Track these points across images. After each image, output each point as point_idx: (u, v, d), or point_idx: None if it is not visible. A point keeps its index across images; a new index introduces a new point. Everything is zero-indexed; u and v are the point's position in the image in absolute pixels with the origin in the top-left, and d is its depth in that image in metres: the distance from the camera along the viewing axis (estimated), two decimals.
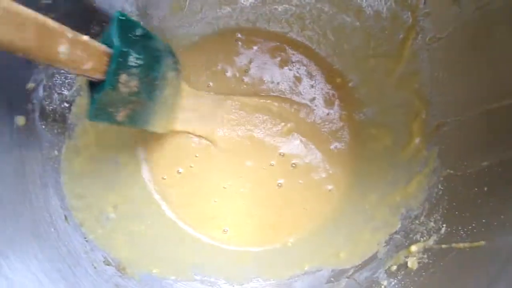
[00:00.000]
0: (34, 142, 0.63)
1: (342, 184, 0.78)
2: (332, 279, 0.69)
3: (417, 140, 0.70)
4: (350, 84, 0.79)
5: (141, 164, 0.78)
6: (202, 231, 0.75)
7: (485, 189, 0.58)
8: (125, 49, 0.56)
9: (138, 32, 0.60)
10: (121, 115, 0.61)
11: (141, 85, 0.61)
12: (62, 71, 0.67)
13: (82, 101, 0.70)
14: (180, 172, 0.76)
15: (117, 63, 0.55)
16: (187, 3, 0.76)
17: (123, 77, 0.57)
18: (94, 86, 0.56)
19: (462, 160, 0.63)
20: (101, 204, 0.70)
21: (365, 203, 0.74)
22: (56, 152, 0.66)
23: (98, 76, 0.53)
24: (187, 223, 0.75)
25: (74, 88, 0.69)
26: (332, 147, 0.79)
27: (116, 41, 0.55)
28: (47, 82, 0.65)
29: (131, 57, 0.57)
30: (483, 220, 0.56)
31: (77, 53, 0.48)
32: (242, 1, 0.79)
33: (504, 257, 0.51)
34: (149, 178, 0.77)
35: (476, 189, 0.59)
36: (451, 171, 0.64)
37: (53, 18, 0.58)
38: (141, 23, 0.64)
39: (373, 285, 0.64)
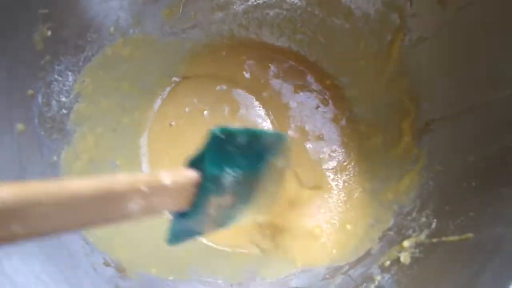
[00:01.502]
0: (34, 149, 0.64)
1: (342, 187, 0.79)
2: (327, 276, 0.70)
3: (407, 138, 0.72)
4: (340, 85, 0.81)
5: (141, 165, 0.79)
6: None
7: (473, 183, 0.59)
8: (218, 172, 0.46)
9: (240, 140, 0.49)
10: (208, 228, 0.50)
11: (236, 196, 0.51)
12: (60, 78, 0.68)
13: (81, 108, 0.72)
14: None
15: (207, 191, 0.45)
16: (180, 10, 0.78)
17: (214, 201, 0.47)
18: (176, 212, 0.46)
19: (451, 156, 0.64)
20: None
21: (358, 200, 0.76)
22: (55, 158, 0.67)
23: (183, 209, 0.44)
24: None
25: (72, 95, 0.70)
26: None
27: (207, 167, 0.44)
28: (46, 89, 0.66)
29: (226, 176, 0.47)
30: (471, 214, 0.57)
31: (154, 202, 0.38)
32: (235, 7, 0.80)
33: (491, 248, 0.52)
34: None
35: (464, 184, 0.60)
36: (441, 168, 0.66)
37: (50, 28, 0.61)
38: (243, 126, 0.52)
39: (367, 280, 0.65)
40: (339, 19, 0.77)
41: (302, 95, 0.82)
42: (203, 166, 0.44)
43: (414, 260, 0.62)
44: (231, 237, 0.77)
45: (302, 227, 0.77)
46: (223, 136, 0.46)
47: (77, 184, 0.30)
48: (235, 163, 0.48)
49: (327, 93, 0.82)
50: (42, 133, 0.66)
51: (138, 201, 0.35)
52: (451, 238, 0.58)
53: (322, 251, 0.74)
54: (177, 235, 0.48)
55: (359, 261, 0.69)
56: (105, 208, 0.33)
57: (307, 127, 0.81)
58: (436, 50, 0.68)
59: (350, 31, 0.77)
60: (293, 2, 0.79)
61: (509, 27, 0.57)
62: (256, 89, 0.82)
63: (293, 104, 0.81)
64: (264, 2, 0.80)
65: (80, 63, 0.70)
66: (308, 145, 0.80)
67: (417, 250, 0.62)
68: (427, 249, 0.61)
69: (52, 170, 0.67)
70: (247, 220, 0.59)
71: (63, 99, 0.69)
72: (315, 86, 0.82)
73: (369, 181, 0.76)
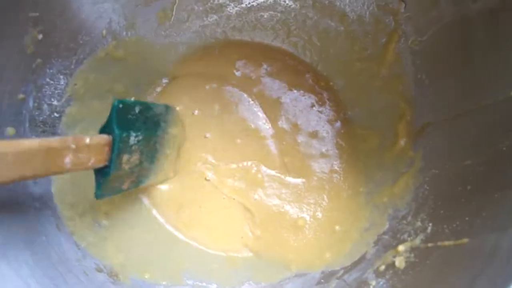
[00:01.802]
0: None
1: (330, 185, 0.79)
2: (322, 280, 0.70)
3: (402, 141, 0.71)
4: (335, 88, 0.80)
5: None
6: (193, 236, 0.76)
7: (468, 187, 0.59)
8: (124, 134, 0.60)
9: (137, 110, 0.63)
10: (126, 185, 0.65)
11: (142, 155, 0.65)
12: (52, 81, 0.68)
13: (73, 111, 0.71)
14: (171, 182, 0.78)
15: (119, 149, 0.59)
16: (174, 12, 0.77)
17: (125, 157, 0.61)
18: (97, 169, 0.59)
19: (446, 160, 0.64)
20: (93, 212, 0.71)
21: (351, 203, 0.75)
22: None
23: (101, 164, 0.57)
24: (177, 228, 0.76)
25: (64, 99, 0.70)
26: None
27: (115, 129, 0.58)
28: (37, 93, 0.66)
29: (131, 137, 0.61)
30: (466, 218, 0.57)
31: (81, 156, 0.51)
32: (228, 9, 0.80)
33: (486, 253, 0.52)
34: None
35: (459, 188, 0.60)
36: (436, 171, 0.65)
37: (41, 31, 0.61)
38: (134, 98, 0.72)
39: (362, 285, 0.64)
40: (334, 22, 0.77)
41: (296, 92, 0.81)
42: (111, 130, 0.58)
43: (409, 264, 0.61)
44: (224, 241, 0.77)
45: (286, 214, 0.77)
46: (121, 106, 0.59)
47: (27, 141, 0.44)
48: (136, 127, 0.62)
49: (323, 94, 0.81)
50: (33, 137, 0.65)
51: (70, 156, 0.49)
52: (447, 243, 0.58)
53: (316, 253, 0.73)
54: (102, 189, 0.60)
55: (354, 265, 0.69)
56: (49, 160, 0.46)
57: (299, 123, 0.80)
58: (432, 53, 0.67)
59: (345, 34, 0.77)
60: (287, 4, 0.79)
61: (506, 30, 0.56)
62: (247, 86, 0.81)
63: (285, 100, 0.81)
64: (258, 4, 0.80)
65: (72, 66, 0.70)
66: (300, 139, 0.80)
67: (412, 255, 0.62)
68: (422, 253, 0.61)
69: None
70: (157, 180, 0.74)
71: (55, 102, 0.69)
72: (310, 85, 0.82)
73: (364, 184, 0.75)
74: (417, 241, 0.63)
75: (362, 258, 0.69)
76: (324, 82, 0.81)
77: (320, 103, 0.81)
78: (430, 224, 0.62)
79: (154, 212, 0.76)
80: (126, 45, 0.75)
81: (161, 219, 0.76)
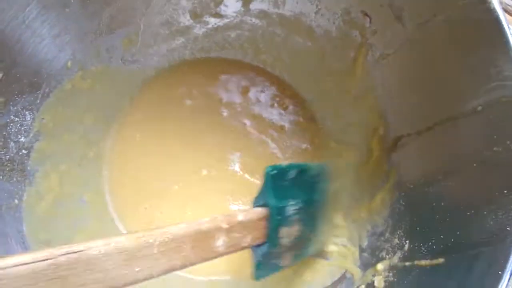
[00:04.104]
0: None
1: None
2: None
3: (377, 155, 0.71)
4: (307, 102, 0.80)
5: (107, 200, 0.77)
6: None
7: (442, 204, 0.58)
8: (281, 205, 0.54)
9: (291, 175, 0.57)
10: (285, 261, 0.59)
11: (302, 225, 0.58)
12: (17, 118, 0.66)
13: (42, 146, 0.70)
14: (146, 208, 0.76)
15: (277, 222, 0.53)
16: (139, 38, 0.76)
17: (284, 231, 0.54)
18: (254, 246, 0.53)
19: (420, 175, 0.63)
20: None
21: (332, 220, 0.75)
22: (16, 201, 0.66)
23: (258, 242, 0.51)
24: None
25: (31, 134, 0.68)
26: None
27: (271, 201, 0.52)
28: (1, 132, 0.64)
29: (289, 207, 0.55)
30: (441, 236, 0.56)
31: (235, 236, 0.46)
32: (195, 31, 0.79)
33: (461, 275, 0.51)
34: (117, 213, 0.77)
35: (434, 203, 0.59)
36: (411, 186, 0.65)
37: (0, 69, 0.59)
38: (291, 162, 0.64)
39: None
40: (301, 38, 0.76)
41: (266, 109, 0.80)
42: (267, 202, 0.52)
43: (388, 284, 0.61)
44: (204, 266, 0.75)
45: None
46: (275, 172, 0.54)
47: (174, 228, 0.39)
48: (293, 194, 0.56)
49: (294, 108, 0.80)
50: (0, 177, 0.64)
51: (222, 238, 0.43)
52: (423, 262, 0.57)
53: (296, 273, 0.73)
54: (261, 269, 0.54)
55: (334, 285, 0.68)
56: (198, 248, 0.41)
57: (269, 140, 0.80)
58: (399, 66, 0.66)
59: (313, 49, 0.76)
60: (253, 22, 0.78)
61: (468, 42, 0.55)
62: (215, 106, 0.81)
63: (254, 119, 0.80)
64: (224, 24, 0.78)
65: (38, 101, 0.68)
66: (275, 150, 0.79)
67: (390, 274, 0.61)
68: (400, 273, 0.60)
69: (13, 214, 0.65)
70: (318, 249, 0.68)
71: (22, 139, 0.68)
72: (281, 100, 0.81)
73: (341, 200, 0.74)
74: (395, 259, 0.62)
75: (343, 277, 0.68)
76: (296, 97, 0.80)
77: (292, 118, 0.80)
78: (407, 242, 0.62)
79: None
80: (93, 74, 0.74)
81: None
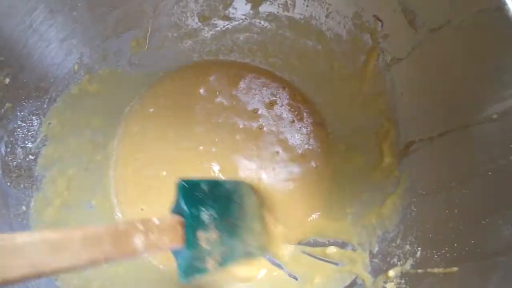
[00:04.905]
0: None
1: (318, 207, 0.77)
2: None
3: (388, 160, 0.70)
4: (317, 107, 0.79)
5: (114, 205, 0.77)
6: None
7: (455, 211, 0.58)
8: (195, 212, 0.58)
9: (204, 187, 0.63)
10: (210, 264, 0.62)
11: (221, 231, 0.63)
12: (24, 124, 0.66)
13: (49, 151, 0.69)
14: (142, 209, 0.76)
15: (192, 227, 0.57)
16: (147, 41, 0.75)
17: (201, 235, 0.59)
18: (176, 251, 0.57)
19: (432, 181, 0.63)
20: None
21: (342, 225, 0.74)
22: (24, 208, 0.65)
23: (177, 245, 0.55)
24: (162, 262, 0.74)
25: (38, 140, 0.68)
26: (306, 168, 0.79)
27: (184, 208, 0.57)
28: (9, 138, 0.64)
29: (203, 214, 0.60)
30: (455, 245, 0.56)
31: (152, 237, 0.50)
32: (203, 33, 0.78)
33: (476, 285, 0.51)
34: (121, 215, 0.76)
35: (447, 211, 0.59)
36: (423, 192, 0.64)
37: (7, 75, 0.59)
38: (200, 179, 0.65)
39: None
40: (311, 41, 0.75)
41: (276, 109, 0.80)
42: (181, 209, 0.57)
43: None
44: None
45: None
46: (186, 186, 0.59)
47: (93, 227, 0.43)
48: (206, 204, 0.61)
49: (304, 111, 0.80)
50: (8, 184, 0.63)
51: (140, 238, 0.48)
52: (436, 270, 0.57)
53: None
54: (184, 271, 0.57)
55: None
56: (117, 244, 0.45)
57: (280, 138, 0.79)
58: (411, 71, 0.66)
59: (323, 53, 0.75)
60: (263, 25, 0.77)
61: (483, 49, 0.54)
62: (222, 109, 0.81)
63: (265, 116, 0.80)
64: (233, 27, 0.78)
65: (45, 106, 0.68)
66: (279, 154, 0.79)
67: (402, 281, 0.61)
68: (412, 280, 0.60)
69: (21, 221, 0.64)
70: (248, 258, 0.72)
71: (29, 144, 0.67)
72: (289, 102, 0.80)
73: (351, 205, 0.74)
74: (407, 266, 0.62)
75: (353, 283, 0.68)
76: (305, 100, 0.79)
77: (301, 120, 0.79)
78: (419, 249, 0.61)
79: None
80: (100, 78, 0.74)
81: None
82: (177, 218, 0.56)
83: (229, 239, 0.65)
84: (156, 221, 0.52)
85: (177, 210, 0.58)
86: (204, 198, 0.62)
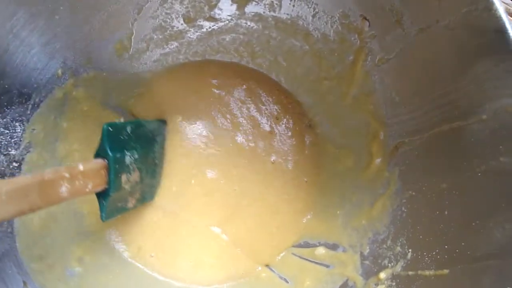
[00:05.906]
0: None
1: (308, 208, 0.77)
2: None
3: (377, 161, 0.70)
4: (305, 108, 0.78)
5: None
6: (169, 275, 0.73)
7: (446, 213, 0.57)
8: (118, 155, 0.61)
9: (128, 130, 0.65)
10: (131, 203, 0.66)
11: (142, 172, 0.66)
12: (7, 131, 0.64)
13: (33, 157, 0.68)
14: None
15: (115, 170, 0.59)
16: (132, 43, 0.74)
17: (124, 178, 0.62)
18: (100, 193, 0.59)
19: (422, 182, 0.62)
20: (65, 261, 0.68)
21: (332, 226, 0.74)
22: None
23: (101, 187, 0.58)
24: (154, 269, 0.74)
25: (22, 146, 0.66)
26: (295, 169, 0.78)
27: (108, 151, 0.59)
28: None
29: (126, 157, 0.62)
30: (446, 247, 0.56)
31: (77, 184, 0.52)
32: (189, 35, 0.77)
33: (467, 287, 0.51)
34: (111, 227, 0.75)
35: (437, 212, 0.59)
36: (413, 193, 0.64)
37: None
38: (122, 119, 0.71)
39: None
40: (298, 41, 0.74)
41: (263, 110, 0.79)
42: (105, 153, 0.59)
43: None
44: (205, 274, 0.75)
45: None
46: (110, 129, 0.60)
47: (20, 178, 0.46)
48: (130, 146, 0.64)
49: (291, 112, 0.79)
50: None
51: (65, 185, 0.50)
52: (427, 272, 0.57)
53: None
54: (107, 212, 0.61)
55: None
56: (44, 194, 0.47)
57: (264, 144, 0.78)
58: (400, 71, 0.65)
59: (311, 53, 0.74)
60: (249, 25, 0.76)
61: (471, 49, 0.54)
62: (210, 112, 0.80)
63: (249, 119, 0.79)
64: (218, 28, 0.76)
65: (28, 112, 0.66)
66: (272, 158, 0.78)
67: (393, 283, 0.61)
68: (403, 282, 0.60)
69: (5, 231, 0.63)
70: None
71: (12, 152, 0.65)
72: (276, 103, 0.79)
73: (341, 206, 0.73)
74: (398, 268, 0.61)
75: (344, 285, 0.67)
76: (293, 100, 0.79)
77: (288, 121, 0.79)
78: (410, 250, 0.61)
79: (125, 254, 0.74)
80: (85, 81, 0.72)
81: (132, 261, 0.73)
82: (101, 162, 0.58)
83: (148, 178, 0.69)
84: (81, 167, 0.53)
85: (101, 154, 0.59)
86: (127, 140, 0.64)
